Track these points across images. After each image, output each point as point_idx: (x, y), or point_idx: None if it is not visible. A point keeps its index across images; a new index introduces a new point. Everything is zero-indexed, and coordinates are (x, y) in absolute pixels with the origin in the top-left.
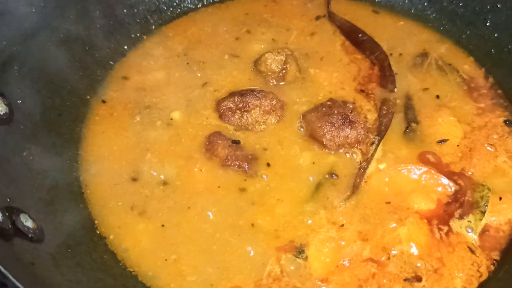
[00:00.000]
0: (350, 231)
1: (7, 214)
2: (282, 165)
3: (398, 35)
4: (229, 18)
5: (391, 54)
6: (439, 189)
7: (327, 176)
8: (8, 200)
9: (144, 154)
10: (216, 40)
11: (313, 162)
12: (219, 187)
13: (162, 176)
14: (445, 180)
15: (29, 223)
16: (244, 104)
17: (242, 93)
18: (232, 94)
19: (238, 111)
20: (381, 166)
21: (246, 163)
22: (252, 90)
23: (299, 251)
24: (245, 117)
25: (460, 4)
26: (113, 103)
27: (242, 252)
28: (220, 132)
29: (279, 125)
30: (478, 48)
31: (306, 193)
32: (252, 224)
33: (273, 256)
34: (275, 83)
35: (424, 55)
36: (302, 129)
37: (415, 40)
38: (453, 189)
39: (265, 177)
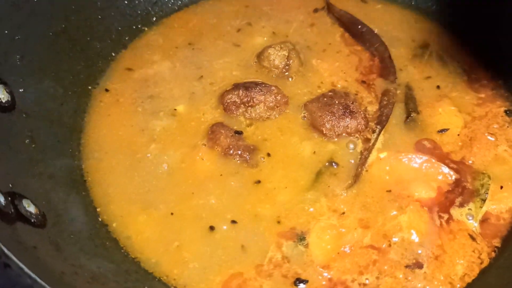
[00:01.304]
0: (350, 218)
1: (9, 198)
2: (283, 154)
3: (399, 27)
4: (230, 10)
5: (391, 46)
6: (440, 177)
7: (327, 164)
8: (11, 185)
9: (148, 142)
10: (218, 32)
11: (314, 152)
12: (221, 175)
13: (165, 164)
14: (445, 169)
15: (31, 209)
16: (249, 99)
17: (246, 86)
18: (236, 87)
19: (242, 105)
20: (382, 155)
21: (247, 153)
22: (256, 84)
23: (300, 238)
24: (249, 112)
25: None
26: (117, 92)
27: (244, 239)
28: (223, 123)
29: (281, 116)
30: (477, 39)
31: (307, 181)
32: (254, 212)
33: (274, 243)
34: (277, 76)
35: (425, 46)
36: (305, 118)
37: (415, 31)
38: (453, 177)
39: (262, 158)
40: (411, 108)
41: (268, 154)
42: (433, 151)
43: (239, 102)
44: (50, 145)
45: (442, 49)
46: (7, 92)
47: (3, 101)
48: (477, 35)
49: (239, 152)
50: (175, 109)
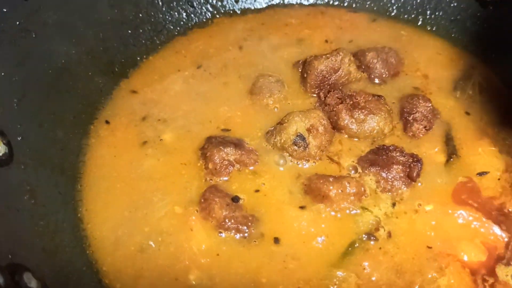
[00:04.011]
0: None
1: (9, 275)
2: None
3: (437, 59)
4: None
5: (432, 77)
6: (491, 238)
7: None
8: (10, 256)
9: (144, 188)
10: (224, 57)
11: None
12: (217, 255)
13: (158, 224)
14: (497, 230)
15: (33, 284)
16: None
17: (236, 144)
18: (227, 143)
19: (231, 166)
20: (428, 208)
21: (245, 227)
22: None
23: None
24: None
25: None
26: (116, 124)
27: None
28: (217, 187)
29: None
30: (503, 71)
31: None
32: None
33: None
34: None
35: (467, 78)
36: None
37: (457, 63)
38: (505, 239)
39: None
40: (451, 151)
41: (276, 240)
42: (471, 189)
43: (227, 163)
44: (51, 198)
45: (486, 82)
46: (4, 143)
47: (0, 154)
48: (503, 68)
49: (236, 226)
50: (174, 148)
